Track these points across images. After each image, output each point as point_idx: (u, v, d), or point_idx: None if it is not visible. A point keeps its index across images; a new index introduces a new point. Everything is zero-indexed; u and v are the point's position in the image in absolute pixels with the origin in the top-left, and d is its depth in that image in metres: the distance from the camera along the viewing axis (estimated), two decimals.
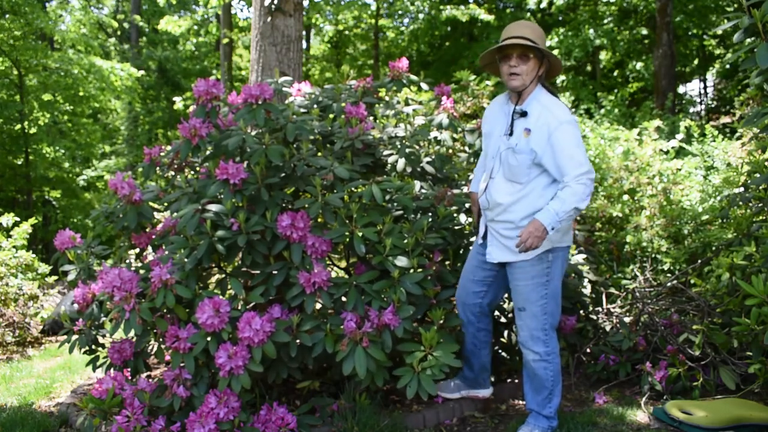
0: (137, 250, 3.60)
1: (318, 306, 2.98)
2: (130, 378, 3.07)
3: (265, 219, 2.92)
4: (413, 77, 3.76)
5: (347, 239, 2.89)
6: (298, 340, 2.80)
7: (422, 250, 3.00)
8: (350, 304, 2.79)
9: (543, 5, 12.82)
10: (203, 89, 3.05)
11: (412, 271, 2.93)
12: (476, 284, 2.88)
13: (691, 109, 13.95)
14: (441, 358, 2.70)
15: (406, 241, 2.92)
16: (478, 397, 3.11)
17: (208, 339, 2.72)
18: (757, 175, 4.00)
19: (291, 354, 2.77)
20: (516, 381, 3.48)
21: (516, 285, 2.69)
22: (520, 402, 3.35)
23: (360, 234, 2.85)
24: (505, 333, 3.52)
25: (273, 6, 4.64)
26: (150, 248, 3.50)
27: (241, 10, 18.46)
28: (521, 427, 2.83)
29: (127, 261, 3.57)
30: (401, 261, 2.86)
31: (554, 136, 2.52)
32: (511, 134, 2.64)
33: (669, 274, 4.31)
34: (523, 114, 2.61)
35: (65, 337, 3.24)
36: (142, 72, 14.71)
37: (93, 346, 3.25)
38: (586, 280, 3.97)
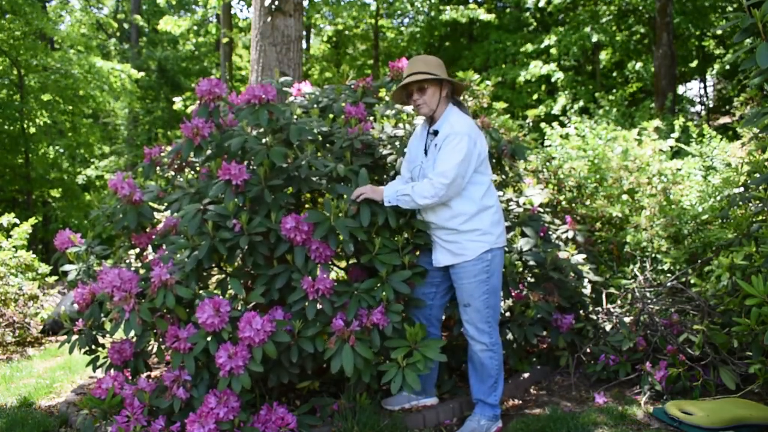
0: (137, 250, 3.60)
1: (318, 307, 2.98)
2: (130, 378, 3.07)
3: (268, 220, 2.92)
4: None
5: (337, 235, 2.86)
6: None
7: (412, 249, 3.01)
8: (351, 313, 2.79)
9: (541, 4, 12.84)
10: (206, 89, 3.04)
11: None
12: (426, 286, 3.06)
13: (691, 109, 13.96)
14: (426, 353, 2.71)
15: (396, 239, 2.94)
16: (426, 406, 3.17)
17: (208, 339, 2.72)
18: (757, 175, 4.00)
19: (292, 359, 2.77)
20: (510, 381, 3.48)
21: (461, 284, 2.91)
22: (519, 402, 3.36)
23: (343, 223, 2.79)
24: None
25: (273, 6, 4.64)
26: (150, 248, 3.50)
27: (241, 10, 18.49)
28: (468, 418, 3.00)
29: (127, 261, 3.56)
30: (392, 259, 2.87)
31: (445, 141, 2.83)
32: (426, 153, 2.95)
33: (669, 274, 4.31)
34: (436, 133, 2.91)
35: (65, 337, 3.24)
36: (142, 73, 14.69)
37: (93, 346, 3.25)
38: (586, 280, 3.97)
